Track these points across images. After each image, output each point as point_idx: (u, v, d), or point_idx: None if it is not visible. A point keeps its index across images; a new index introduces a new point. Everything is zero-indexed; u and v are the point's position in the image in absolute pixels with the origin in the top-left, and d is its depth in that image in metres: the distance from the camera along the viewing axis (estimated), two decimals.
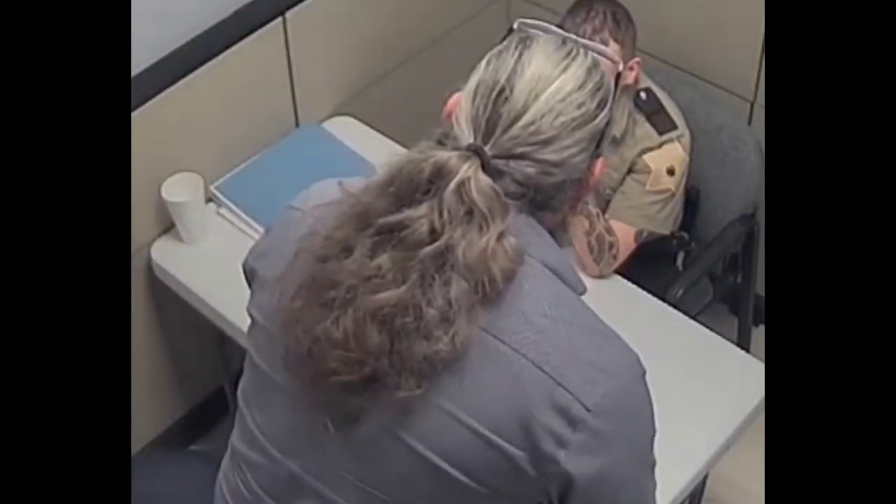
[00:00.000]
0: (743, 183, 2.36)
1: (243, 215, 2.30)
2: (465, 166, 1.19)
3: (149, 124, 2.13)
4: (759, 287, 2.55)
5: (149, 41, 2.07)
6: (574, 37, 1.30)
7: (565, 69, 1.23)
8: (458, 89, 1.30)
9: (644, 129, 2.22)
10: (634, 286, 2.12)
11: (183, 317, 2.35)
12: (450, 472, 1.24)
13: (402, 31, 2.62)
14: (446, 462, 1.24)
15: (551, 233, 1.30)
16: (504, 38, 1.29)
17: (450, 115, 1.28)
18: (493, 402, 1.21)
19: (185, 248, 2.28)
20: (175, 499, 1.78)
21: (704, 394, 1.87)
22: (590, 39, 2.08)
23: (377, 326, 1.18)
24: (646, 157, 2.23)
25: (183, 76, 2.18)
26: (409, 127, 2.54)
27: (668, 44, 2.49)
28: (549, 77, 1.23)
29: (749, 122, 2.47)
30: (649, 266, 2.25)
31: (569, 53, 1.25)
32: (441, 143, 1.25)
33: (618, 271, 2.16)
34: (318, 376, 1.22)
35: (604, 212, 2.19)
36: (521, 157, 1.22)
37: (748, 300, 2.57)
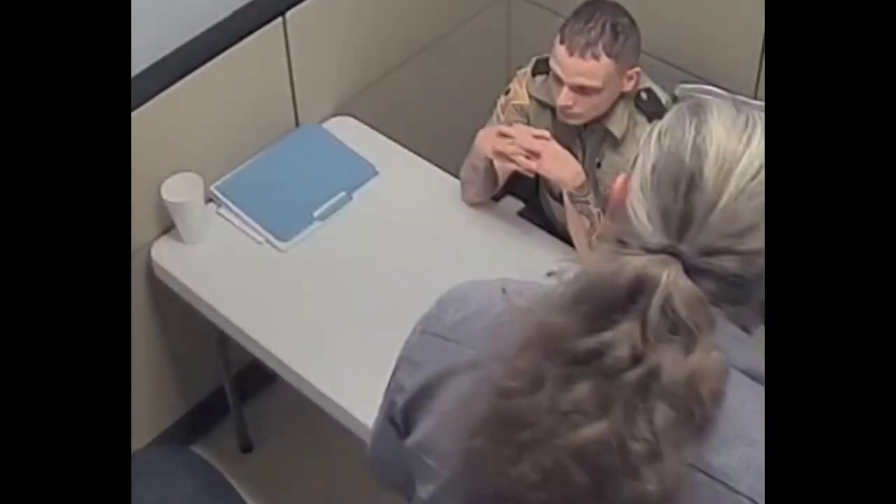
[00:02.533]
0: None
1: (243, 215, 2.30)
2: (667, 274, 1.03)
3: (149, 124, 2.13)
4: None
5: (149, 41, 2.07)
6: (742, 98, 1.13)
7: (748, 142, 1.06)
8: (617, 172, 1.16)
9: (645, 129, 2.22)
10: None
11: (183, 317, 2.36)
12: None
13: (402, 31, 2.62)
14: None
15: (746, 328, 1.12)
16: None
17: (619, 202, 1.12)
18: None
19: (185, 248, 2.28)
20: (172, 500, 1.78)
21: None
22: (582, 52, 2.10)
23: (580, 467, 1.02)
24: None
25: (183, 76, 2.18)
26: (409, 127, 2.56)
27: (668, 44, 2.49)
28: (735, 153, 1.06)
29: None
30: None
31: (747, 122, 1.08)
32: (622, 242, 1.08)
33: None
34: None
35: (604, 211, 2.20)
36: (723, 251, 1.05)
37: None
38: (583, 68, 2.09)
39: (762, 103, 1.11)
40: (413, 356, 1.23)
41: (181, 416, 2.63)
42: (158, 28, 2.09)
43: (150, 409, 2.52)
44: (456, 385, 1.16)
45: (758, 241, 1.05)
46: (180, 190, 2.21)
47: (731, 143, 1.06)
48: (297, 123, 2.48)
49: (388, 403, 1.28)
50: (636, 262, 1.03)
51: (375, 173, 2.37)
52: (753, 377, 1.09)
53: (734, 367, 1.07)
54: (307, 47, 2.40)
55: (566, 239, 2.23)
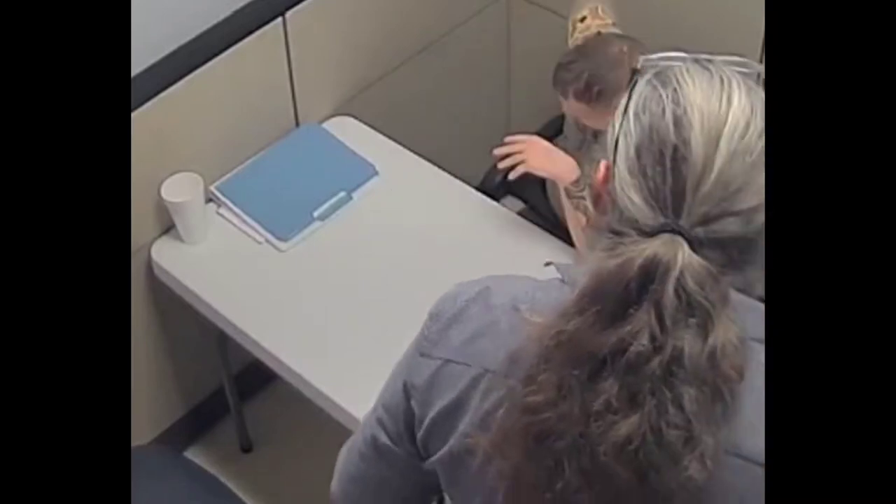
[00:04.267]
0: None
1: (243, 215, 2.30)
2: (675, 255, 1.00)
3: (149, 124, 2.13)
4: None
5: (149, 41, 2.07)
6: (705, 56, 1.10)
7: (729, 100, 1.04)
8: (597, 159, 1.12)
9: None
10: None
11: (183, 317, 2.36)
12: None
13: (402, 31, 2.62)
14: None
15: (748, 292, 1.10)
16: (631, 84, 1.10)
17: (603, 191, 1.10)
18: None
19: (185, 248, 2.28)
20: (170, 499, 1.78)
21: None
22: (560, 90, 2.13)
23: (622, 464, 1.01)
24: None
25: (183, 76, 2.18)
26: (409, 127, 2.56)
27: (668, 43, 2.49)
28: (719, 115, 1.03)
29: None
30: None
31: (722, 82, 1.05)
32: (617, 232, 1.06)
33: None
34: None
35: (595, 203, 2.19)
36: (721, 215, 1.03)
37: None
38: (563, 102, 2.15)
39: (729, 57, 1.10)
40: (420, 384, 1.20)
41: (181, 416, 2.63)
42: (158, 28, 2.09)
43: (150, 409, 2.52)
44: (474, 408, 1.14)
45: (754, 198, 1.03)
46: (180, 190, 2.21)
47: (713, 106, 1.03)
48: (297, 123, 2.48)
49: (391, 425, 1.25)
50: (643, 249, 1.01)
51: (375, 173, 2.37)
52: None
53: (752, 339, 1.04)
54: (307, 47, 2.40)
55: (570, 240, 2.23)
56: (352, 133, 2.47)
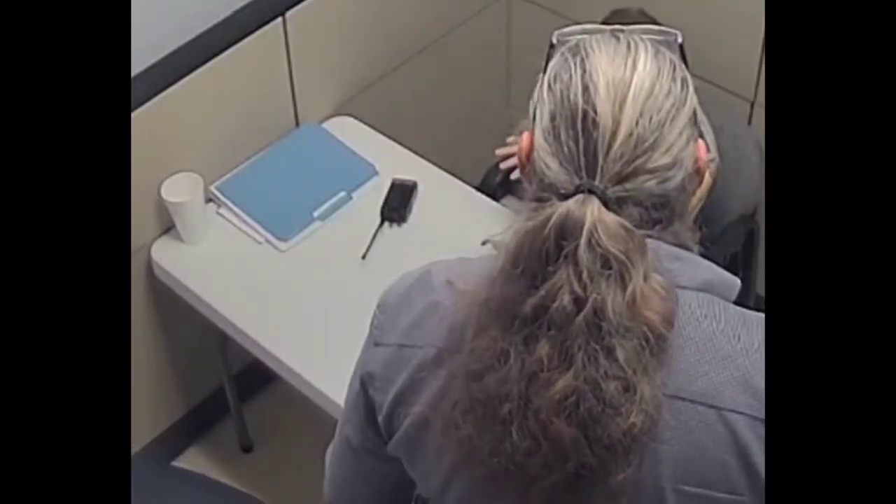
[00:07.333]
0: (743, 183, 2.36)
1: (243, 215, 2.30)
2: (588, 212, 1.04)
3: (149, 124, 2.13)
4: (760, 287, 2.55)
5: (149, 41, 2.07)
6: (620, 27, 1.16)
7: (634, 65, 1.09)
8: (521, 130, 1.16)
9: None
10: None
11: (183, 317, 2.36)
12: None
13: (402, 31, 2.62)
14: None
15: (685, 247, 1.15)
16: (547, 57, 1.15)
17: (527, 161, 1.15)
18: (704, 462, 1.10)
19: (185, 248, 2.28)
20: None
21: None
22: None
23: (564, 420, 1.05)
24: None
25: (183, 76, 2.18)
26: (409, 127, 2.56)
27: None
28: (624, 80, 1.08)
29: (749, 122, 2.47)
30: None
31: (628, 47, 1.11)
32: (540, 200, 1.10)
33: None
34: (522, 490, 1.10)
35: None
36: (635, 173, 1.07)
37: (748, 300, 2.57)
38: None
39: (646, 26, 1.16)
40: (377, 372, 1.24)
41: (181, 416, 2.63)
42: (158, 28, 2.09)
43: (150, 409, 2.52)
44: (428, 385, 1.18)
45: (666, 156, 1.08)
46: (180, 190, 2.21)
47: (617, 71, 1.09)
48: (297, 123, 2.48)
49: (355, 420, 1.29)
50: (558, 210, 1.05)
51: (375, 173, 2.37)
52: (709, 291, 1.13)
53: (683, 287, 1.10)
54: (307, 47, 2.40)
55: None
56: (352, 133, 2.47)
